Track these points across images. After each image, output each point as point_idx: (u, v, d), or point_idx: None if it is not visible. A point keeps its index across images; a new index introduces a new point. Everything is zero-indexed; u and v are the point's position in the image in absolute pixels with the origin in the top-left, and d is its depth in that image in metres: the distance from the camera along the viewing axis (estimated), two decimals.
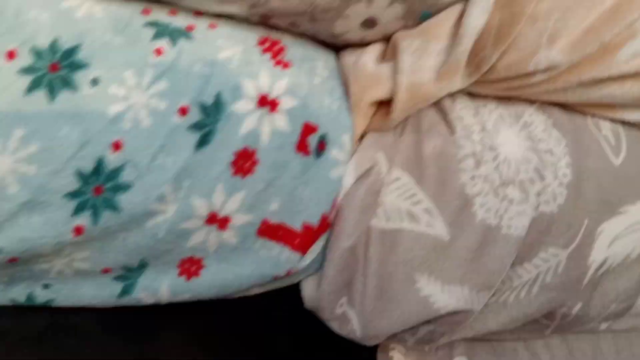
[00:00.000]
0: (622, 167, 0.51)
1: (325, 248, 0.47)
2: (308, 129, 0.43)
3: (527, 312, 0.51)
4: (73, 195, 0.37)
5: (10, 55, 0.36)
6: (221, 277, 0.44)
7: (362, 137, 0.48)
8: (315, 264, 0.47)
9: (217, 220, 0.42)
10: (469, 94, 0.52)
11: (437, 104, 0.49)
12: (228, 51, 0.42)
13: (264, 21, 0.44)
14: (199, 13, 0.44)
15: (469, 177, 0.47)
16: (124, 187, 0.38)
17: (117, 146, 0.37)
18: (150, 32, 0.40)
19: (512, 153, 0.49)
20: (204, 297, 0.45)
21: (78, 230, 0.38)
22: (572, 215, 0.49)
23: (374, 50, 0.46)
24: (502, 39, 0.44)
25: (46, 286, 0.42)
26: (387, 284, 0.46)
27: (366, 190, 0.46)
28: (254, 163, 0.41)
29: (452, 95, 0.50)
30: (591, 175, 0.50)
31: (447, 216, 0.46)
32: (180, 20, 0.42)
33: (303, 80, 0.44)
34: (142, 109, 0.38)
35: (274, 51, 0.44)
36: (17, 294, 0.42)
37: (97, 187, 0.38)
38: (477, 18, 0.42)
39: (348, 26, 0.44)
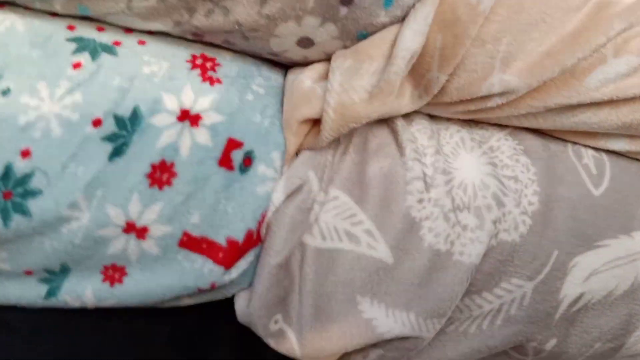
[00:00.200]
0: (602, 197, 0.49)
1: (256, 264, 0.46)
2: (232, 144, 0.43)
3: (490, 344, 0.49)
4: None
5: None
6: (144, 286, 0.44)
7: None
8: (246, 279, 0.47)
9: (135, 230, 0.42)
10: (431, 116, 0.50)
11: (390, 125, 0.48)
12: (153, 66, 0.42)
13: (198, 38, 0.44)
14: (130, 30, 0.44)
15: (416, 199, 0.45)
16: (33, 193, 0.38)
17: (26, 153, 0.38)
18: (72, 46, 0.41)
19: (468, 178, 0.47)
20: (129, 304, 0.45)
21: None
22: (538, 246, 0.47)
23: (314, 69, 0.46)
24: (447, 61, 0.43)
25: None
26: (326, 304, 0.46)
27: (296, 207, 0.45)
28: (172, 175, 0.41)
29: (408, 116, 0.49)
30: (563, 205, 0.48)
31: (390, 239, 0.45)
32: (106, 36, 0.43)
33: (232, 97, 0.44)
34: (54, 119, 0.38)
35: (205, 67, 0.44)
36: None
37: (7, 192, 0.38)
38: (410, 39, 0.41)
39: (284, 45, 0.44)
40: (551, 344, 0.50)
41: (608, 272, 0.48)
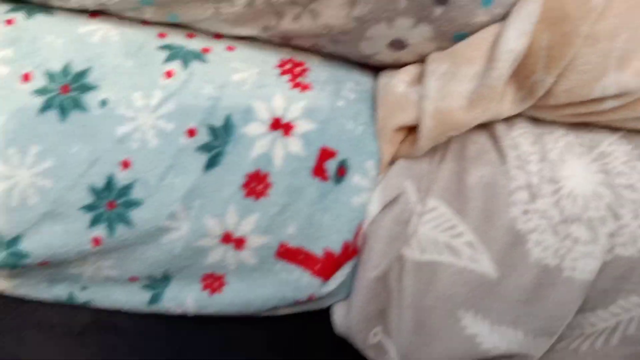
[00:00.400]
0: None
1: (353, 275, 0.46)
2: (326, 154, 0.42)
3: None
4: (88, 208, 0.40)
5: (26, 77, 0.39)
6: (243, 296, 0.45)
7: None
8: (343, 290, 0.46)
9: (232, 240, 0.42)
10: (533, 118, 0.47)
11: (489, 130, 0.46)
12: (242, 73, 0.42)
13: (286, 42, 0.44)
14: (219, 36, 0.44)
15: (521, 211, 0.43)
16: (135, 204, 0.40)
17: (126, 164, 0.39)
18: (163, 55, 0.42)
19: (579, 187, 0.44)
20: (228, 313, 0.46)
21: (96, 241, 0.40)
22: None
23: (408, 72, 0.44)
24: (555, 61, 0.40)
25: (84, 288, 0.45)
26: (427, 318, 0.44)
27: (393, 219, 0.44)
28: (267, 186, 0.41)
29: (509, 119, 0.46)
30: None
31: (494, 252, 0.43)
32: (196, 43, 0.43)
33: (324, 103, 0.43)
34: (150, 130, 0.39)
35: (294, 73, 0.43)
36: (59, 292, 0.45)
37: (110, 202, 0.40)
38: (514, 41, 0.38)
39: (375, 48, 0.43)
40: None
41: None
